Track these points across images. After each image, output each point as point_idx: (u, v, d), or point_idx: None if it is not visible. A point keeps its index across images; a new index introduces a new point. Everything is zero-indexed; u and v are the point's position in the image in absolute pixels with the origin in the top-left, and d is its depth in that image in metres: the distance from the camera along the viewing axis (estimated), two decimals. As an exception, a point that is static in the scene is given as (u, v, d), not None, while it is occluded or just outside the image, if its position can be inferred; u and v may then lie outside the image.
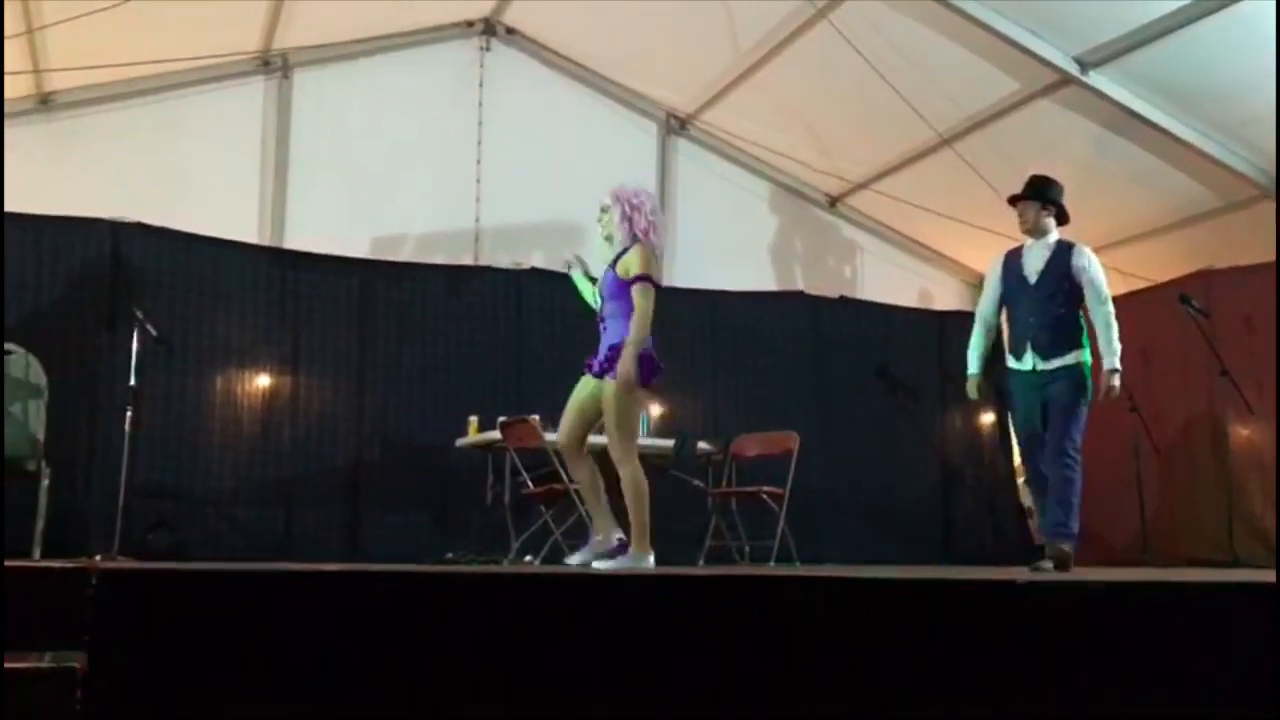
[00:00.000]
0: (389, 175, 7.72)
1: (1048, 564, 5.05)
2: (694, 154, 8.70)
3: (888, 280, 8.95)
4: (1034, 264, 5.30)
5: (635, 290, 4.52)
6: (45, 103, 6.94)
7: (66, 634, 2.11)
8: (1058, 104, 7.09)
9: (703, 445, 7.02)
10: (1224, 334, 6.99)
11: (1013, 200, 5.44)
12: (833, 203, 8.96)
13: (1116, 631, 2.71)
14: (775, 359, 8.03)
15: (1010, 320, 5.49)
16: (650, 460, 7.09)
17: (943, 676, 2.55)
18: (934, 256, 9.30)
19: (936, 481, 8.43)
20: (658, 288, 4.60)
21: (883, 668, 2.53)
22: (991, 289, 5.50)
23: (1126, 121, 6.99)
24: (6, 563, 2.09)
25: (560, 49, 8.27)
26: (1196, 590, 3.01)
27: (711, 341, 7.91)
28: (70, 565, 2.21)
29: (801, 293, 8.42)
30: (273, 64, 7.55)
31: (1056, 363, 5.20)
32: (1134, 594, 2.93)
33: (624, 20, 7.63)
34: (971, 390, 5.60)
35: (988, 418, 8.78)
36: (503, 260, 7.83)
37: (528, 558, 6.34)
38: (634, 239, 4.63)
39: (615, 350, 4.49)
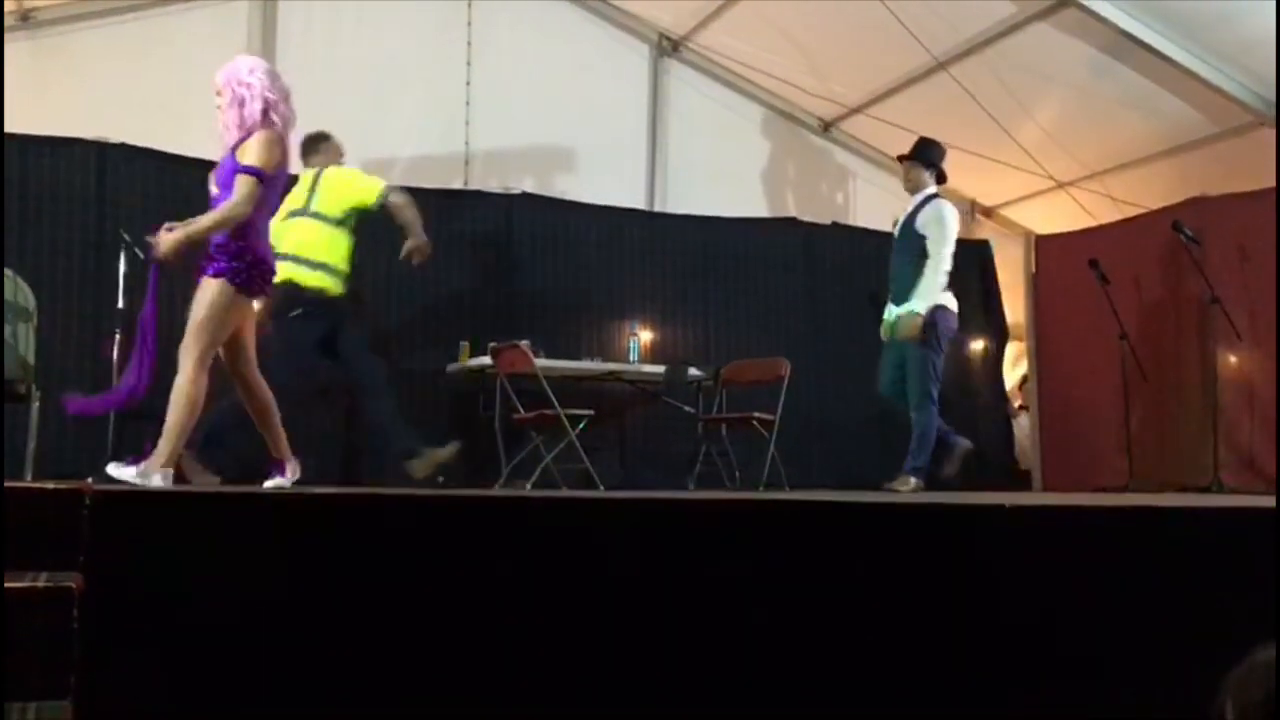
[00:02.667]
0: (377, 98, 7.60)
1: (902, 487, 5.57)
2: (686, 76, 8.59)
3: (881, 206, 8.87)
4: (902, 218, 5.88)
5: (238, 179, 4.06)
6: (26, 19, 6.80)
7: (61, 554, 2.12)
8: (1055, 27, 7.00)
9: (693, 372, 7.04)
10: (1216, 262, 6.99)
11: (901, 159, 6.00)
12: (826, 127, 8.88)
13: (1103, 555, 2.74)
14: (767, 285, 8.02)
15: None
16: (641, 387, 7.16)
17: (928, 599, 2.59)
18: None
19: (927, 408, 8.47)
20: (265, 180, 4.13)
21: (869, 591, 2.56)
22: None
23: (1123, 45, 6.91)
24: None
25: (550, -32, 8.13)
26: (1184, 515, 3.04)
27: (702, 268, 7.88)
28: (64, 486, 2.22)
29: (794, 219, 8.38)
30: (259, -18, 7.41)
31: (898, 311, 5.70)
32: (1119, 518, 2.96)
33: (615, -62, 7.49)
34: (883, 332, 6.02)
35: (978, 345, 8.80)
36: (493, 185, 7.76)
37: (527, 485, 6.39)
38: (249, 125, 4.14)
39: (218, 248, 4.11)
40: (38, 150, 6.22)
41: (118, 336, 5.74)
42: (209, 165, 6.66)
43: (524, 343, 6.37)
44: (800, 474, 7.12)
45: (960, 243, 8.95)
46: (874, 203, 8.93)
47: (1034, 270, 8.61)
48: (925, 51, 7.25)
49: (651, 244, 7.73)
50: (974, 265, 8.85)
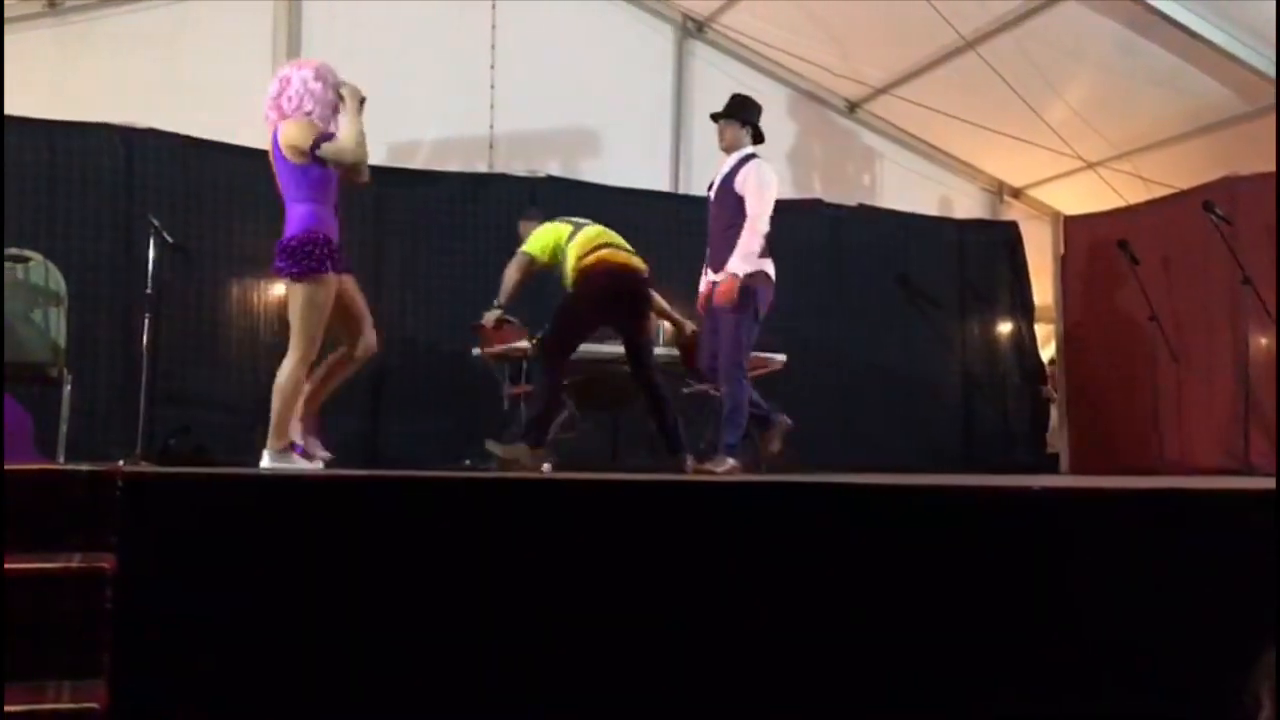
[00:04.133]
0: (402, 83, 7.58)
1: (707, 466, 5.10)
2: (711, 58, 8.54)
3: (907, 188, 8.84)
4: (717, 180, 5.47)
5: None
6: (54, 6, 6.84)
7: (94, 536, 2.15)
8: (1083, 5, 6.92)
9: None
10: (1247, 242, 6.89)
11: (714, 117, 5.62)
12: (852, 108, 8.82)
13: (1130, 537, 2.72)
14: (794, 267, 7.97)
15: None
16: (669, 370, 7.14)
17: (957, 580, 2.58)
18: (954, 163, 9.18)
19: (956, 389, 8.46)
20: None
21: (895, 572, 2.56)
22: None
23: (1152, 22, 6.82)
24: (35, 467, 2.12)
25: (572, -49, 8.10)
26: (1215, 498, 3.01)
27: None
28: (97, 469, 2.24)
29: (820, 200, 8.34)
30: (284, -34, 7.42)
31: (715, 278, 5.33)
32: (1148, 501, 2.94)
33: (639, -80, 7.46)
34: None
35: (1006, 326, 8.75)
36: (517, 168, 7.76)
37: (545, 466, 6.39)
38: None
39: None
40: (66, 135, 6.27)
41: (147, 320, 5.79)
42: (235, 150, 6.78)
43: (513, 320, 6.32)
44: (826, 455, 7.10)
45: (987, 224, 8.98)
46: (901, 184, 8.88)
47: (1062, 252, 8.54)
48: (953, 30, 7.18)
49: (676, 226, 7.70)
50: (1002, 247, 8.80)
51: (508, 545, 2.35)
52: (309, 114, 4.19)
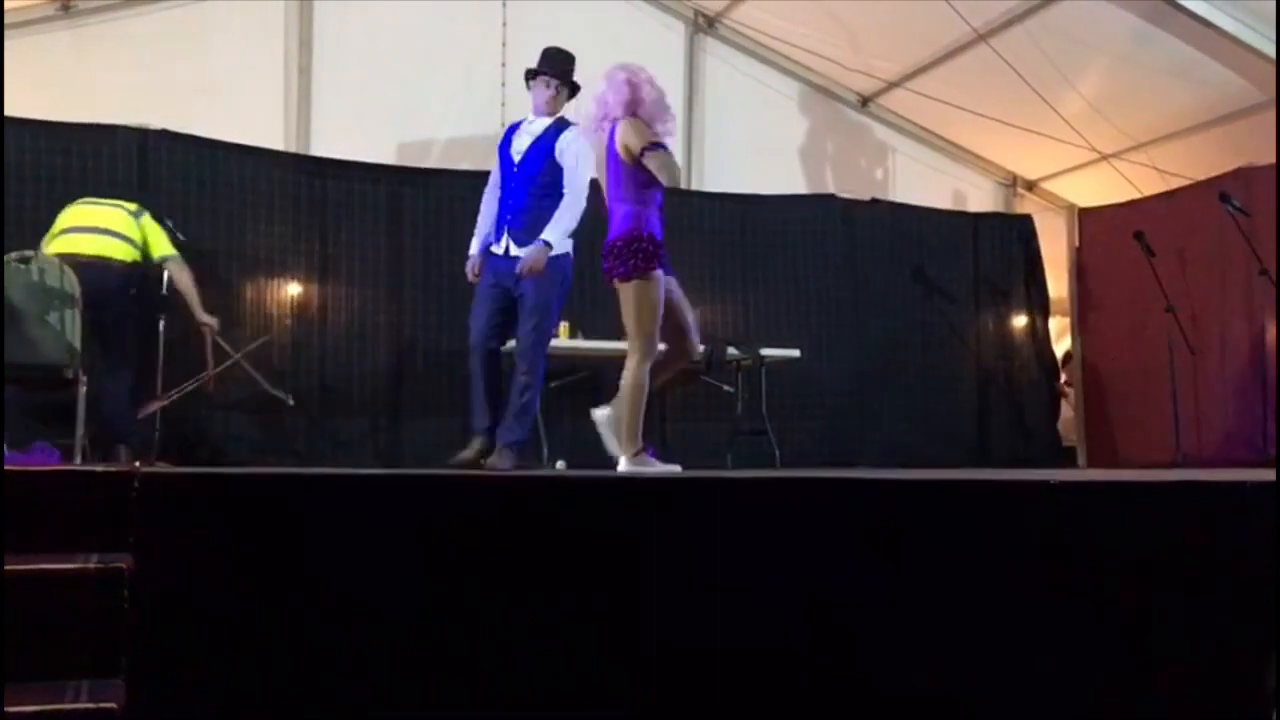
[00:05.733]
0: (414, 80, 7.62)
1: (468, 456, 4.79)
2: (722, 54, 8.52)
3: (921, 181, 8.81)
4: (527, 145, 5.01)
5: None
6: (67, 9, 6.86)
7: (112, 537, 2.15)
8: (1097, -4, 6.89)
9: (732, 351, 7.02)
10: (1264, 233, 6.86)
11: (531, 75, 5.18)
12: (864, 102, 8.79)
13: (1148, 530, 2.71)
14: (807, 262, 7.97)
15: (500, 202, 5.09)
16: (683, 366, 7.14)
17: (976, 575, 2.57)
18: (967, 157, 9.15)
19: (971, 383, 8.43)
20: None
21: (915, 567, 2.55)
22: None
23: (1166, 12, 6.78)
24: (51, 469, 2.13)
25: (584, -53, 8.08)
26: (1235, 489, 2.99)
27: (742, 246, 7.84)
28: (113, 469, 2.25)
29: (833, 195, 8.31)
30: (296, -33, 7.42)
31: (520, 251, 4.91)
32: (1168, 494, 2.92)
33: (650, -86, 7.44)
34: (470, 272, 5.10)
35: (1021, 320, 8.71)
36: (530, 165, 7.75)
37: (560, 463, 6.40)
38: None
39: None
40: (80, 137, 6.28)
41: (161, 322, 5.81)
42: (248, 151, 6.80)
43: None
44: (843, 450, 7.10)
45: (1001, 217, 8.94)
46: (914, 178, 8.85)
47: (1077, 244, 8.51)
48: (964, 23, 7.15)
49: (689, 222, 7.69)
50: (1016, 239, 8.77)
51: (521, 543, 2.35)
52: (641, 116, 4.29)
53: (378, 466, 6.48)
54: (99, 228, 5.42)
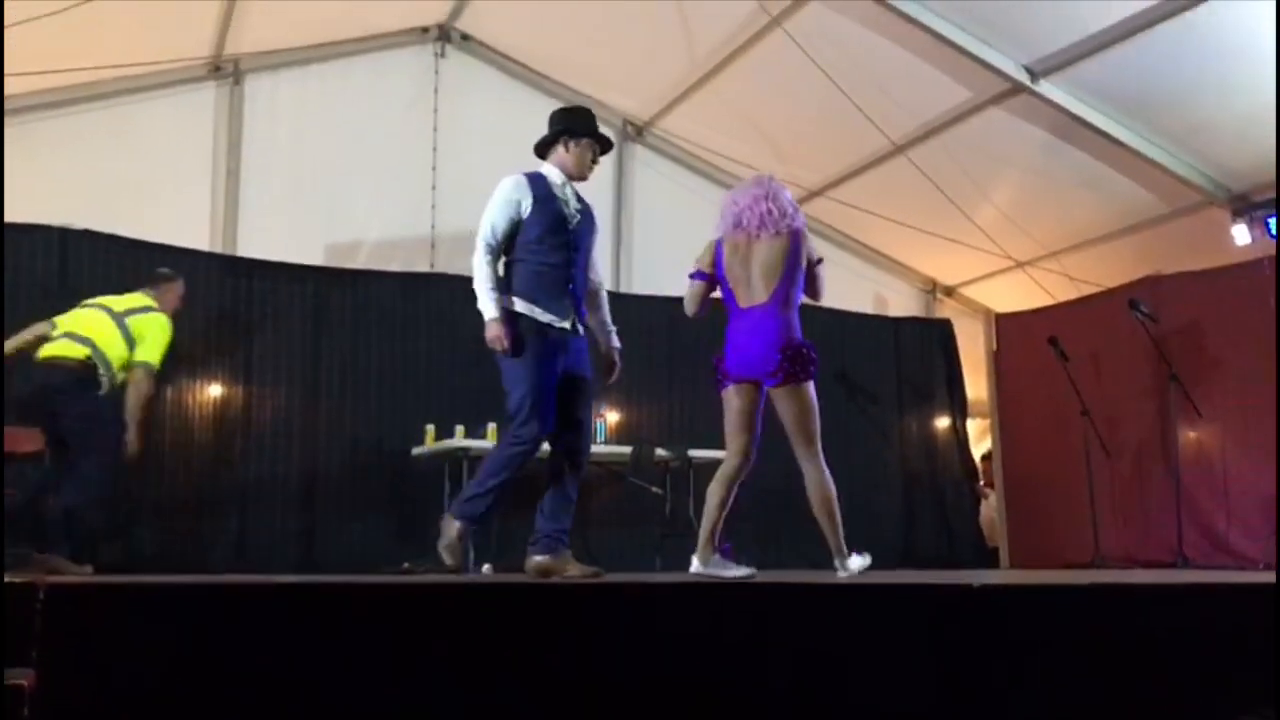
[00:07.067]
0: (343, 182, 7.66)
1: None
2: (651, 161, 8.72)
3: (843, 286, 8.98)
4: (570, 205, 4.40)
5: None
6: (-9, 109, 6.82)
7: (14, 650, 2.07)
8: (1008, 112, 7.18)
9: (660, 452, 7.03)
10: (1172, 339, 7.10)
11: (572, 135, 4.51)
12: (790, 210, 9.00)
13: (1069, 632, 2.74)
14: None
15: (548, 266, 4.27)
16: (608, 467, 7.13)
17: (898, 678, 2.57)
18: (888, 263, 9.39)
19: (896, 484, 8.51)
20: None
21: (837, 671, 2.54)
22: (515, 214, 4.40)
23: (1075, 129, 7.09)
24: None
25: (516, 55, 8.25)
26: (1151, 592, 3.05)
27: (669, 348, 7.90)
28: (18, 580, 2.17)
29: (760, 298, 8.44)
30: (224, 70, 7.46)
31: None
32: (1086, 597, 2.96)
33: (579, 26, 7.63)
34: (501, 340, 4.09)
35: (943, 421, 8.85)
36: (459, 267, 7.77)
37: (485, 567, 6.31)
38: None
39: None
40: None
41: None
42: (172, 251, 6.74)
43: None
44: (771, 552, 7.09)
45: (922, 321, 9.15)
46: (837, 283, 8.93)
47: (995, 348, 8.71)
48: (884, 136, 7.39)
49: (618, 325, 7.74)
50: (936, 343, 8.96)
51: (448, 651, 2.30)
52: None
53: (294, 569, 6.34)
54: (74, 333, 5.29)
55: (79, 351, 5.21)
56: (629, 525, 7.36)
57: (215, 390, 6.83)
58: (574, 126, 4.52)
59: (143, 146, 7.14)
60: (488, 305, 4.11)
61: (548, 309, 4.18)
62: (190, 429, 6.68)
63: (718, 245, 4.49)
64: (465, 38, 8.13)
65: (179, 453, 6.62)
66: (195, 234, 7.20)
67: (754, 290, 4.41)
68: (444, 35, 8.06)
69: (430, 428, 6.68)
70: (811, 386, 4.33)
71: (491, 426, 6.65)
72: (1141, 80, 6.57)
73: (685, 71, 7.83)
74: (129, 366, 5.31)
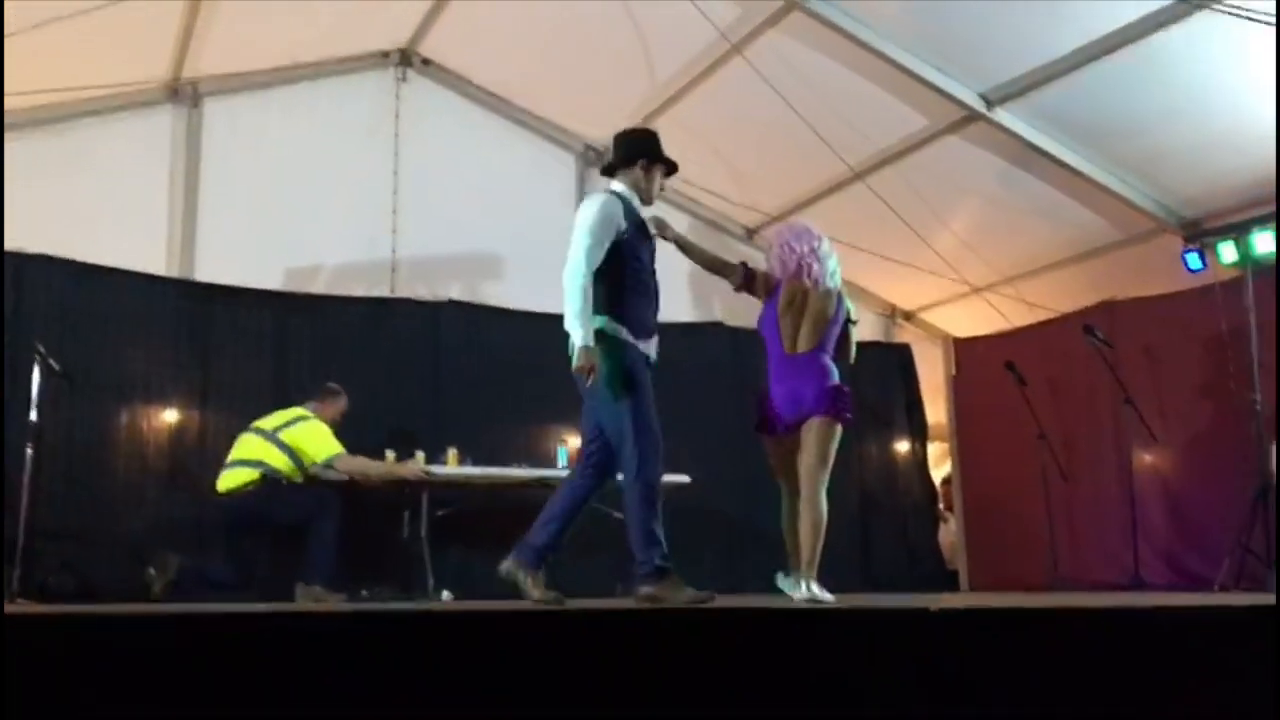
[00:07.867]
0: (303, 207, 7.60)
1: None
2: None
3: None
4: (649, 236, 4.36)
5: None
6: (-57, 133, 6.73)
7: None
8: (965, 140, 7.26)
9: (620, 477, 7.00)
10: (1127, 364, 7.20)
11: (659, 163, 4.51)
12: (750, 235, 9.06)
13: (1028, 657, 2.75)
14: (696, 389, 8.06)
15: (644, 291, 4.32)
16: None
17: (854, 701, 2.57)
18: (848, 287, 9.33)
19: (855, 508, 8.54)
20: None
21: (795, 693, 2.54)
22: (614, 235, 4.22)
23: (1031, 157, 7.18)
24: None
25: (477, 80, 8.26)
26: (1107, 615, 3.07)
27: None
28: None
29: (721, 324, 8.48)
30: (182, 93, 7.40)
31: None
32: (1045, 620, 2.98)
33: (541, 52, 7.65)
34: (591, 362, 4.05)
35: (903, 445, 8.91)
36: (420, 292, 7.77)
37: (445, 594, 6.26)
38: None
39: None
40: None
41: (30, 451, 5.57)
42: (126, 275, 6.66)
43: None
44: (735, 580, 7.08)
45: (882, 346, 9.22)
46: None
47: (954, 372, 8.79)
48: (842, 162, 7.46)
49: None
50: (895, 367, 9.03)
51: (403, 682, 2.28)
52: None
53: (256, 600, 6.25)
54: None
55: (251, 475, 6.02)
56: (593, 552, 7.32)
57: (171, 417, 6.75)
58: (653, 152, 4.47)
59: (99, 170, 7.05)
60: (584, 330, 3.93)
61: (647, 338, 4.29)
62: (145, 457, 6.59)
63: (779, 285, 4.89)
64: (426, 62, 8.12)
65: (133, 481, 6.53)
66: (153, 259, 7.12)
67: (802, 338, 4.75)
68: (405, 60, 8.05)
69: (390, 453, 6.63)
70: (841, 424, 4.65)
71: (452, 451, 6.62)
72: (1095, 109, 6.67)
73: (646, 97, 7.87)
74: (311, 470, 6.21)
